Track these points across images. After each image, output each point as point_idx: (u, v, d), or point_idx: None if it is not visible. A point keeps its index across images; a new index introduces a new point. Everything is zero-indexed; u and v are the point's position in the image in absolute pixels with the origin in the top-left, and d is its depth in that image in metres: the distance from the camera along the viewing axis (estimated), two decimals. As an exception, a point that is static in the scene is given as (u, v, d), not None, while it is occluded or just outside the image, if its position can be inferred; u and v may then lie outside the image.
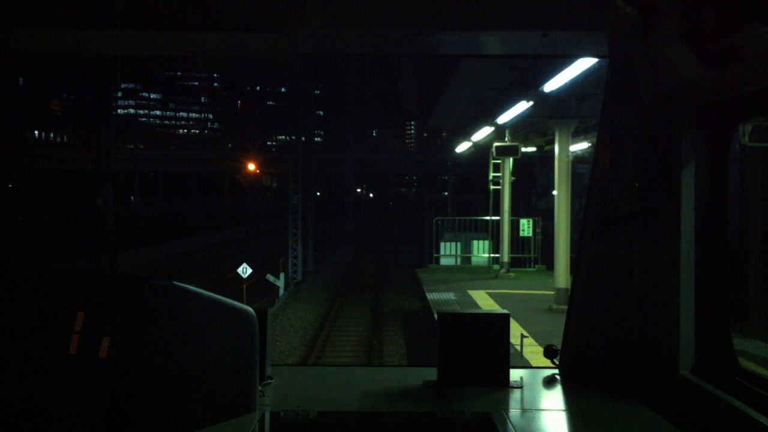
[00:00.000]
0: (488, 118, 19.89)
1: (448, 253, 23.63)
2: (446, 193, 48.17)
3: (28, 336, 2.25)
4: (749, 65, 2.15)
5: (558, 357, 3.09)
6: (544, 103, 15.47)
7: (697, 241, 2.63)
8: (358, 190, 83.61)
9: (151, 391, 2.16)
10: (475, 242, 23.65)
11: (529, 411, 2.67)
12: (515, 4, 3.21)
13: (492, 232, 22.28)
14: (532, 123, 18.10)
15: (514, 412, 2.62)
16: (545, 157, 36.23)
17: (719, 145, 2.60)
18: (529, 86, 15.51)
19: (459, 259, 23.71)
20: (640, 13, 2.57)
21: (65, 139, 70.17)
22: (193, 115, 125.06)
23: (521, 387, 2.90)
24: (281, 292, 23.99)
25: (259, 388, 2.62)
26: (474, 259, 23.58)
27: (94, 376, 2.13)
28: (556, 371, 3.10)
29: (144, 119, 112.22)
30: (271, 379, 2.86)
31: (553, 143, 16.47)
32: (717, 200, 2.61)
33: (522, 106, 15.95)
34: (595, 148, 3.03)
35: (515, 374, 2.97)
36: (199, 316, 2.33)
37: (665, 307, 2.72)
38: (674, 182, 2.65)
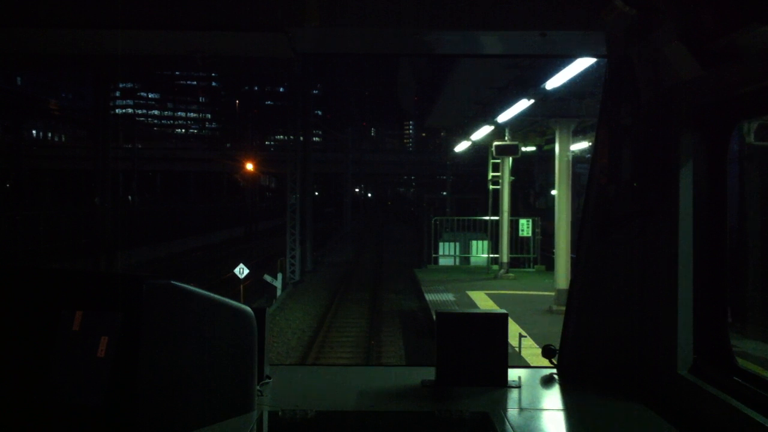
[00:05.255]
0: (488, 117, 19.71)
1: (447, 253, 23.51)
2: (444, 193, 48.21)
3: (26, 335, 2.25)
4: (748, 65, 2.15)
5: (556, 357, 3.10)
6: (545, 101, 15.30)
7: (696, 240, 2.63)
8: (357, 189, 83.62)
9: (149, 391, 2.16)
10: (473, 242, 23.53)
11: (527, 410, 2.67)
12: (514, 4, 3.21)
13: (491, 232, 22.12)
14: (532, 122, 17.94)
15: (512, 411, 2.62)
16: (543, 157, 36.19)
17: (718, 145, 2.60)
18: (529, 84, 15.32)
19: (458, 260, 23.59)
20: (639, 13, 2.58)
21: (63, 138, 70.11)
22: (192, 114, 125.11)
23: (519, 387, 2.90)
24: (279, 292, 23.91)
25: (258, 387, 2.62)
26: (473, 260, 23.47)
27: (92, 375, 2.13)
28: (554, 371, 3.10)
29: (142, 119, 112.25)
30: (270, 378, 2.86)
31: (553, 143, 16.39)
32: (715, 200, 2.61)
33: (522, 105, 15.77)
34: (594, 147, 3.04)
35: (513, 374, 2.97)
36: (198, 316, 2.33)
37: (663, 306, 2.72)
38: (673, 182, 2.65)
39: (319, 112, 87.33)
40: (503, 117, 18.00)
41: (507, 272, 20.51)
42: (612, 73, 2.94)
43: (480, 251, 23.28)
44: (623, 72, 2.78)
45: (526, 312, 14.41)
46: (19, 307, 2.30)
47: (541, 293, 16.85)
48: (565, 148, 15.72)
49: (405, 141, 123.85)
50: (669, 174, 2.67)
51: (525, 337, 10.51)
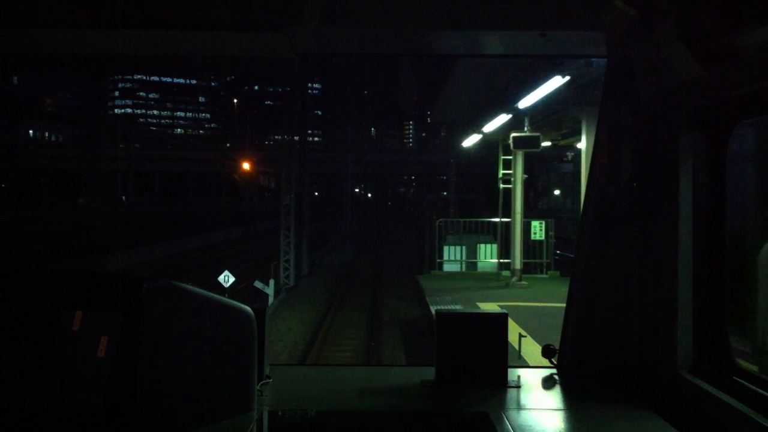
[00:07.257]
0: (505, 104, 17.35)
1: (452, 258, 21.44)
2: (445, 193, 48.11)
3: (26, 335, 2.25)
4: (747, 65, 2.15)
5: (556, 356, 3.10)
6: (573, 84, 13.53)
7: (695, 240, 2.63)
8: (356, 189, 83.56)
9: (149, 391, 2.16)
10: (481, 246, 21.42)
11: (527, 410, 2.67)
12: (514, 4, 3.22)
13: (500, 235, 19.93)
14: (553, 111, 16.08)
15: (512, 411, 2.62)
16: (544, 156, 35.84)
17: (717, 145, 2.61)
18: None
19: (464, 265, 21.44)
20: (639, 13, 2.58)
21: (61, 138, 70.10)
22: (191, 114, 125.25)
23: (519, 386, 2.90)
24: (271, 299, 21.94)
25: (258, 387, 2.62)
26: (480, 265, 21.37)
27: (92, 375, 2.13)
28: (554, 371, 3.10)
29: (143, 119, 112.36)
30: (270, 378, 2.86)
31: (570, 137, 14.78)
32: (715, 200, 2.62)
33: (556, 82, 13.08)
34: (594, 147, 3.05)
35: (513, 374, 2.97)
36: (198, 316, 2.33)
37: (663, 306, 2.72)
38: (672, 182, 2.65)
39: (319, 112, 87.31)
40: (525, 102, 15.15)
41: (519, 279, 18.14)
42: (612, 73, 2.95)
43: (488, 256, 21.17)
44: (623, 72, 2.78)
45: (552, 329, 11.43)
46: (19, 307, 2.29)
47: (562, 305, 14.97)
48: (593, 140, 14.61)
49: (405, 141, 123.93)
50: (669, 174, 2.67)
51: (525, 336, 10.26)
